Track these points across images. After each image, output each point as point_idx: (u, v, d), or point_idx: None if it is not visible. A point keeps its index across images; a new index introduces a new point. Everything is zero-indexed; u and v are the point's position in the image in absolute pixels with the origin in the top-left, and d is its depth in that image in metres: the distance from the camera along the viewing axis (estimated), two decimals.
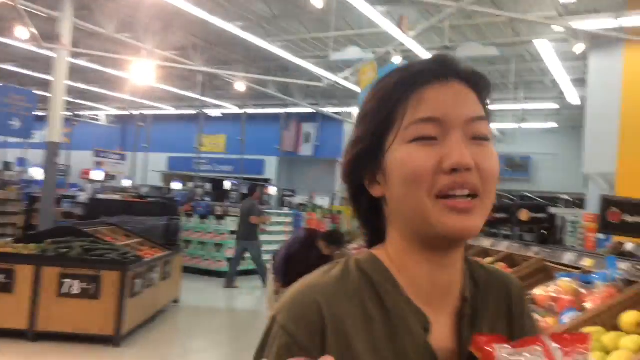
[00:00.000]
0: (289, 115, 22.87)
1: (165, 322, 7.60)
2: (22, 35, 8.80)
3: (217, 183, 21.40)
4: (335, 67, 15.02)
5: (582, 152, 11.51)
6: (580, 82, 14.58)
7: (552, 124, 20.56)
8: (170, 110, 24.65)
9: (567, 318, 1.98)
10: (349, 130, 20.01)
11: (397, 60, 9.26)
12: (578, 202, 20.70)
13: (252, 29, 12.77)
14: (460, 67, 0.76)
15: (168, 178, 24.92)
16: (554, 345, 0.67)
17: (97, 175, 18.64)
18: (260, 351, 0.74)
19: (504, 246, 3.40)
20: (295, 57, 13.75)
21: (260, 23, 12.88)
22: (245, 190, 18.02)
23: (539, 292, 2.23)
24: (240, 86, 12.34)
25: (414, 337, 0.73)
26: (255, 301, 10.22)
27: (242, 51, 15.06)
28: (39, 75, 17.83)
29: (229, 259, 11.70)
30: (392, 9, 10.23)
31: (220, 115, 23.62)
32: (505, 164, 21.02)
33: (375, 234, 0.84)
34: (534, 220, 3.70)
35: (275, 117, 22.98)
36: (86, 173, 19.82)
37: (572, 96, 15.77)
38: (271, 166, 23.67)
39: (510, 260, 3.18)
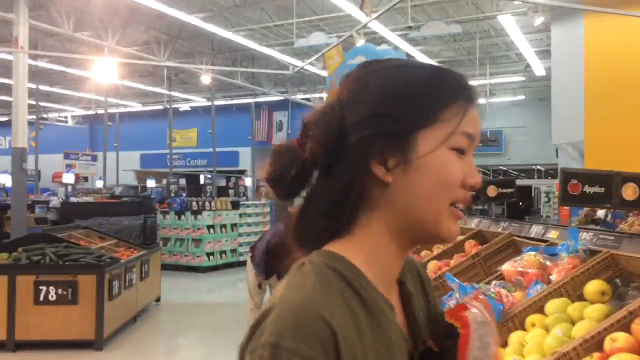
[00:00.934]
0: (259, 104, 22.73)
1: (147, 322, 7.55)
2: None
3: (192, 178, 21.21)
4: (302, 54, 14.94)
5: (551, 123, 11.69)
6: (545, 53, 14.78)
7: (521, 97, 20.83)
8: (137, 107, 24.29)
9: (534, 291, 2.02)
10: None
11: (361, 43, 9.24)
12: (552, 172, 21.07)
13: (214, 19, 12.62)
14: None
15: (142, 176, 24.62)
16: (475, 303, 0.81)
17: (69, 178, 18.31)
18: None
19: (474, 223, 3.44)
20: (260, 46, 13.64)
21: (222, 13, 12.71)
22: (222, 184, 17.84)
23: (506, 267, 2.26)
24: (206, 79, 12.21)
25: (392, 324, 0.75)
26: (237, 294, 10.20)
27: (207, 43, 14.88)
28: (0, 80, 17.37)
29: (208, 254, 11.65)
30: None
31: (189, 109, 23.37)
32: None
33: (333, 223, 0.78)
34: (501, 195, 3.76)
35: (246, 107, 22.83)
36: (58, 176, 19.48)
37: (538, 68, 15.98)
38: (246, 157, 23.55)
39: (481, 237, 3.23)
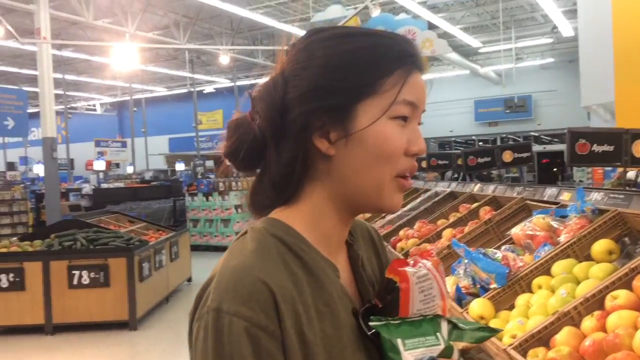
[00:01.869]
0: None
1: (179, 302, 7.72)
2: None
3: (219, 159, 21.41)
4: None
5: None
6: (572, 13, 14.29)
7: (549, 60, 20.25)
8: (163, 92, 24.52)
9: (542, 254, 1.99)
10: None
11: (376, 13, 9.10)
12: None
13: None
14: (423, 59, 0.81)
15: (171, 160, 24.97)
16: (424, 260, 0.82)
17: (100, 165, 18.70)
18: (217, 357, 0.66)
19: (490, 190, 3.40)
20: (279, 23, 13.55)
21: None
22: None
23: (515, 231, 2.23)
24: (224, 59, 12.21)
25: (333, 282, 0.77)
26: None
27: (226, 23, 14.86)
28: (27, 72, 17.74)
29: (237, 233, 11.79)
30: None
31: (213, 91, 23.49)
32: (505, 105, 20.81)
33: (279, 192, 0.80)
34: (518, 160, 3.69)
35: None
36: (90, 164, 19.93)
37: (566, 29, 15.47)
38: None
39: (496, 203, 3.18)
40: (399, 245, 3.44)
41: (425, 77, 0.81)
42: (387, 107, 0.75)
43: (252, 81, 22.41)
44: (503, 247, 2.24)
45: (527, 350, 1.54)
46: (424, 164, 5.96)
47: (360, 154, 0.75)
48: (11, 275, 6.08)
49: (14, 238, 7.22)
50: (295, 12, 13.97)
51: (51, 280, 6.11)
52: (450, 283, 2.15)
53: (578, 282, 1.75)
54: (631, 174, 7.18)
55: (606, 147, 2.35)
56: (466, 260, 2.13)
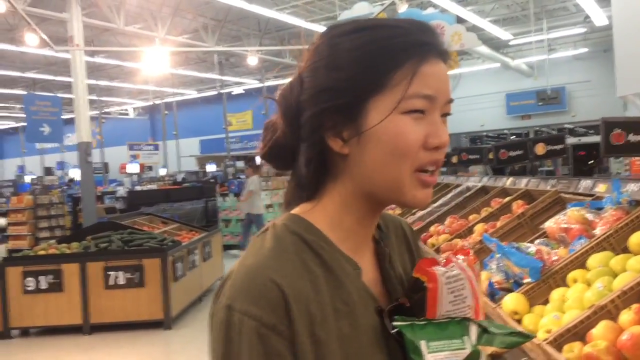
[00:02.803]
0: None
1: None
2: (31, 41, 8.93)
3: (249, 160, 21.58)
4: None
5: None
6: (605, 1, 13.91)
7: (583, 50, 19.75)
8: (193, 95, 24.83)
9: (577, 247, 1.94)
10: None
11: (403, 8, 9.02)
12: None
13: (259, 0, 12.64)
14: (444, 45, 0.77)
15: (202, 161, 25.27)
16: (458, 257, 0.80)
17: (133, 168, 19.04)
18: (226, 354, 0.69)
19: (523, 183, 3.33)
20: (306, 22, 13.57)
21: None
22: None
23: (549, 224, 2.18)
24: (252, 60, 12.28)
25: (353, 280, 0.76)
26: None
27: (254, 24, 14.95)
28: (62, 79, 18.18)
29: None
30: None
31: (243, 92, 23.68)
32: (538, 98, 20.39)
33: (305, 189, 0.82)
34: (551, 152, 3.61)
35: None
36: (123, 167, 20.32)
37: (599, 17, 15.06)
38: None
39: (529, 196, 3.12)
40: (429, 241, 3.40)
41: (454, 71, 0.77)
42: (397, 102, 0.72)
43: (280, 81, 22.52)
44: (537, 241, 2.20)
45: (562, 345, 1.50)
46: (454, 159, 5.88)
47: (374, 151, 0.74)
48: (50, 277, 6.24)
49: (52, 241, 7.41)
50: (322, 10, 13.97)
51: (88, 281, 6.25)
52: (482, 278, 2.12)
53: (615, 275, 1.70)
54: None
55: None
56: (498, 255, 2.10)
